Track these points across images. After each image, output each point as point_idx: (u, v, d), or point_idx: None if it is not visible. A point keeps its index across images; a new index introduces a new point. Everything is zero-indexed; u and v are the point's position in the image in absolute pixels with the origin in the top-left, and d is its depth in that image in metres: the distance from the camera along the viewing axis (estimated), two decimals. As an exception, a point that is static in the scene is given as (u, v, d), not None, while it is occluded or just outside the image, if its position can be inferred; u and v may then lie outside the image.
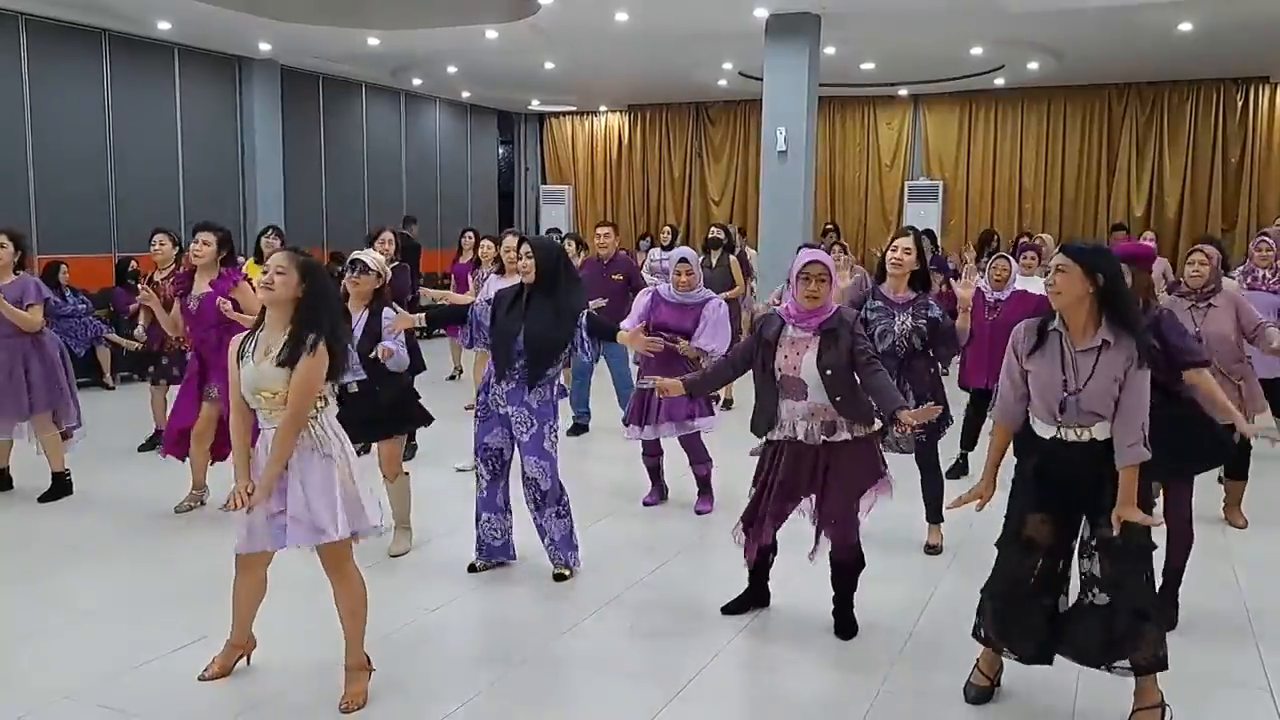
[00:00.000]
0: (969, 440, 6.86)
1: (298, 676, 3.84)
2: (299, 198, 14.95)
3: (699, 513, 5.99)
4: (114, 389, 10.16)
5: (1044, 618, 3.53)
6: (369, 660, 3.70)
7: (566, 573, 4.90)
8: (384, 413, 5.11)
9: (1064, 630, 3.51)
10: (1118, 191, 15.92)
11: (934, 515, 5.40)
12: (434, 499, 5.88)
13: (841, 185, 17.63)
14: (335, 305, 3.65)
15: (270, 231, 8.70)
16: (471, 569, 4.98)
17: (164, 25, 12.14)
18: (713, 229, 9.81)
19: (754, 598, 4.55)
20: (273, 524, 3.50)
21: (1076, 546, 3.51)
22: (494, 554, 5.02)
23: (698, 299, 5.85)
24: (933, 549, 5.35)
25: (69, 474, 6.23)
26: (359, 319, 5.05)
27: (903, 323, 5.11)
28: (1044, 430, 3.45)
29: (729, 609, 4.50)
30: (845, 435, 4.11)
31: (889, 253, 5.20)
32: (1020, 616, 3.54)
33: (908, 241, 5.21)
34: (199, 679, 3.76)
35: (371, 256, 5.13)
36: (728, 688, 3.95)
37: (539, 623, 4.46)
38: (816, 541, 4.24)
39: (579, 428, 7.98)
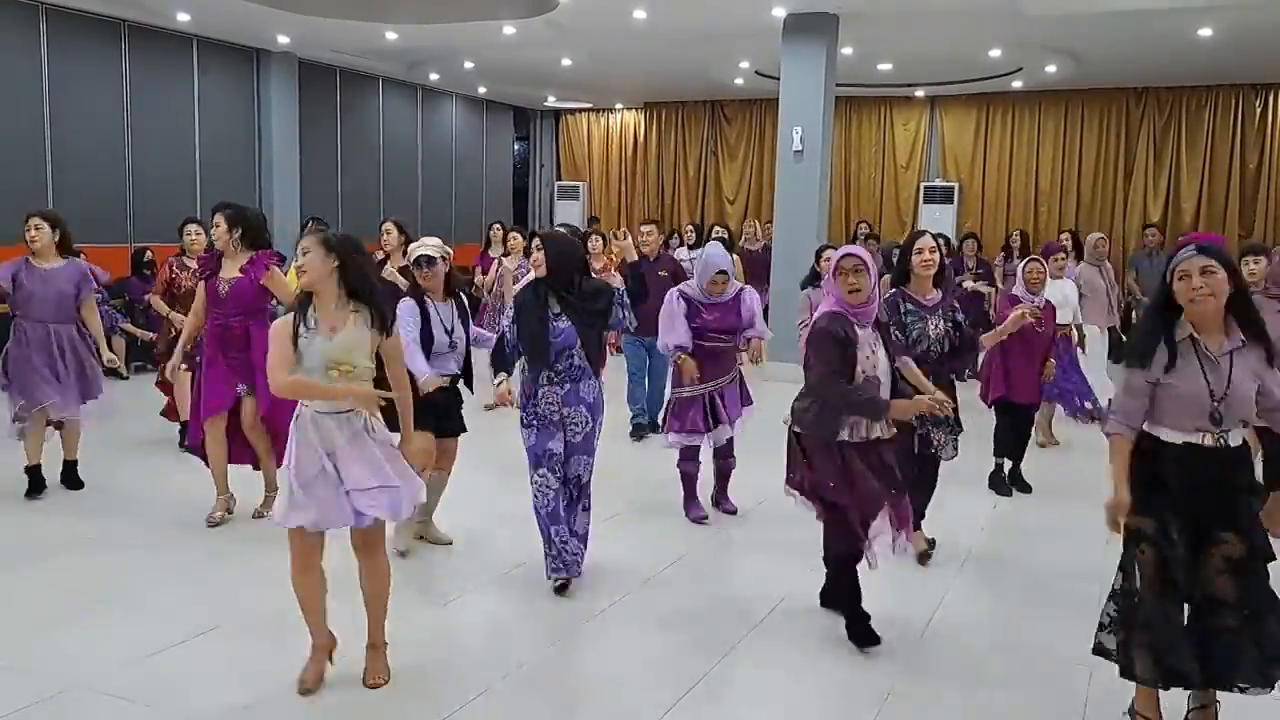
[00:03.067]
0: (1013, 449, 6.68)
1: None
2: (315, 190, 14.98)
3: (729, 512, 6.00)
4: (128, 379, 10.21)
5: (1188, 639, 3.30)
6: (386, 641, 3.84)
7: (569, 581, 4.74)
8: (458, 409, 5.17)
9: (1213, 660, 3.28)
10: (1134, 196, 15.84)
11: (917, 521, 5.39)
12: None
13: (857, 186, 17.59)
14: (373, 268, 3.82)
15: (311, 223, 8.74)
16: (562, 589, 4.73)
17: (183, 17, 12.18)
18: (716, 229, 10.01)
19: (856, 632, 4.27)
20: (344, 500, 3.57)
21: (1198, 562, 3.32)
22: (572, 569, 4.75)
23: (731, 293, 5.82)
24: (924, 555, 5.31)
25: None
26: (449, 310, 5.05)
27: (936, 326, 5.00)
28: (1174, 437, 3.27)
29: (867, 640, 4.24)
30: (889, 430, 4.15)
31: (915, 255, 5.01)
32: (1178, 647, 3.28)
33: (932, 242, 5.09)
34: (299, 692, 3.69)
35: (432, 244, 5.07)
36: (735, 690, 3.94)
37: (547, 623, 4.46)
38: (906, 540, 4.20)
39: (640, 428, 7.94)
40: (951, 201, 16.41)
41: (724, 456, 5.98)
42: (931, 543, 5.35)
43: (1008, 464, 6.69)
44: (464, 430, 5.25)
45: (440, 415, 5.02)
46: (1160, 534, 3.29)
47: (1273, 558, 3.30)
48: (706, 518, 5.94)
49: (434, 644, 4.19)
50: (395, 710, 3.61)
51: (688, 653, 4.12)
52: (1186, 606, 3.32)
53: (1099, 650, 3.50)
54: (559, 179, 20.15)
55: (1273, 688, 3.25)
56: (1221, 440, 3.24)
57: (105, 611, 4.36)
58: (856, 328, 4.06)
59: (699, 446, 5.89)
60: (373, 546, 3.74)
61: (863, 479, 4.05)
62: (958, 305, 5.18)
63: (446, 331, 4.97)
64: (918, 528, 5.21)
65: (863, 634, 4.20)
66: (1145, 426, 3.33)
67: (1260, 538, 3.27)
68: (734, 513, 5.99)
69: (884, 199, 17.46)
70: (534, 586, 4.81)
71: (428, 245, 5.06)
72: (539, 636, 4.28)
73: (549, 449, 4.65)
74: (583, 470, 4.78)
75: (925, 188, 16.76)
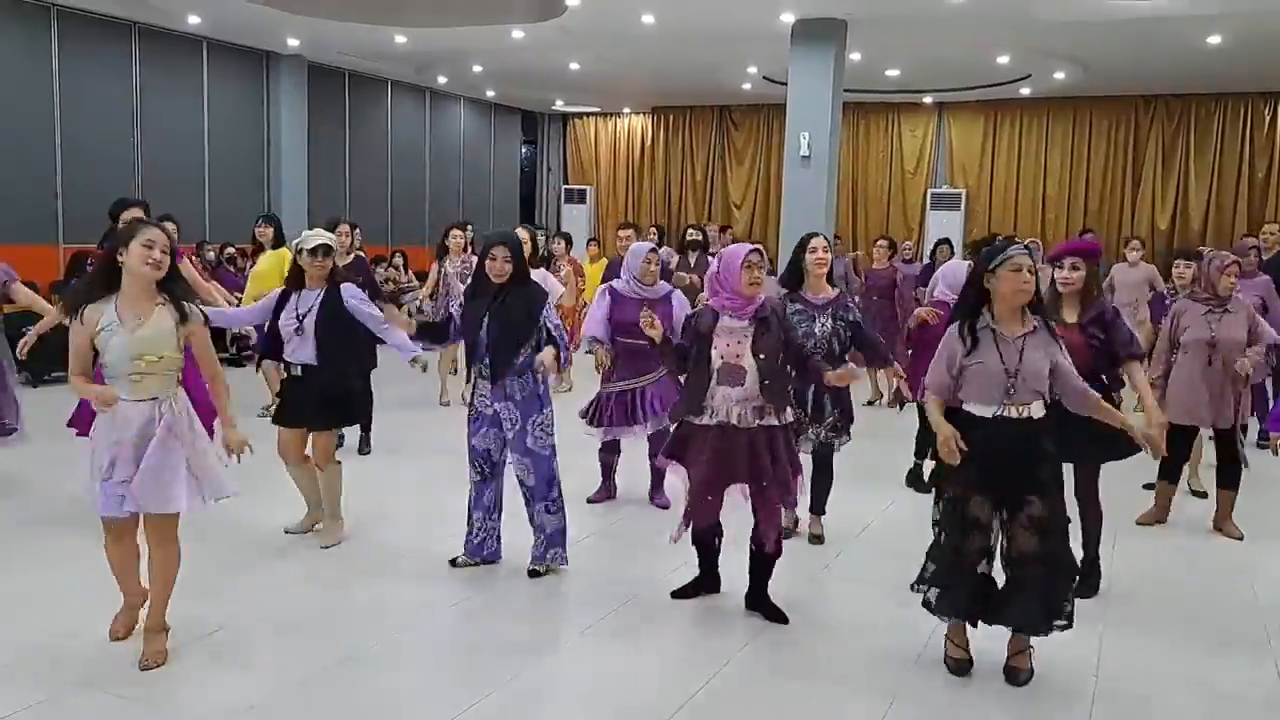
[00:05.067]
0: (925, 450, 6.70)
1: (310, 668, 3.86)
2: (323, 193, 15.02)
3: (663, 506, 6.03)
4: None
5: (981, 583, 3.84)
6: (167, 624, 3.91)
7: (541, 570, 4.86)
8: (332, 402, 5.21)
9: (1006, 603, 3.81)
10: (1142, 203, 15.83)
11: (819, 508, 5.50)
12: (409, 490, 5.89)
13: (864, 192, 17.60)
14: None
15: (259, 221, 8.68)
16: (452, 563, 4.95)
17: (194, 19, 12.23)
18: (690, 230, 10.04)
19: (706, 584, 4.66)
20: (121, 489, 3.65)
21: (1003, 520, 3.81)
22: (475, 552, 4.96)
23: (660, 292, 5.83)
24: (817, 539, 5.45)
25: None
26: (314, 297, 5.16)
27: (823, 325, 5.15)
28: (984, 410, 3.76)
29: (680, 593, 4.63)
30: (773, 420, 4.28)
31: (808, 255, 5.22)
32: (964, 585, 3.83)
33: (822, 241, 5.28)
34: (111, 639, 3.93)
35: (326, 235, 5.28)
36: (736, 698, 3.93)
37: (543, 632, 4.45)
38: (759, 528, 4.35)
39: None
40: (959, 208, 16.41)
41: (654, 454, 5.95)
42: (820, 538, 5.46)
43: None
44: (328, 427, 5.29)
45: (306, 410, 5.17)
46: (970, 501, 3.78)
47: (1068, 521, 3.83)
48: (609, 498, 6.16)
49: (433, 649, 4.19)
50: (402, 713, 3.61)
51: (685, 663, 4.10)
52: (991, 562, 3.84)
53: (925, 604, 3.94)
54: (566, 183, 20.19)
55: (1047, 634, 3.78)
56: (1023, 411, 3.73)
57: (109, 612, 4.36)
58: (726, 318, 4.27)
59: (618, 440, 6.03)
60: (163, 536, 3.79)
61: (700, 465, 4.28)
62: (851, 305, 5.26)
63: (297, 317, 5.12)
64: (820, 511, 5.49)
65: (685, 587, 4.61)
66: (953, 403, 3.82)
67: (1059, 502, 3.79)
68: (667, 507, 5.98)
69: (891, 205, 17.47)
70: (528, 593, 4.80)
71: (311, 236, 5.24)
72: (535, 646, 4.27)
73: (472, 444, 4.84)
74: (522, 472, 4.80)
75: (932, 194, 16.76)
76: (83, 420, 5.72)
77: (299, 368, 5.17)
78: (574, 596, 4.73)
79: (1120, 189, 15.99)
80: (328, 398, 5.15)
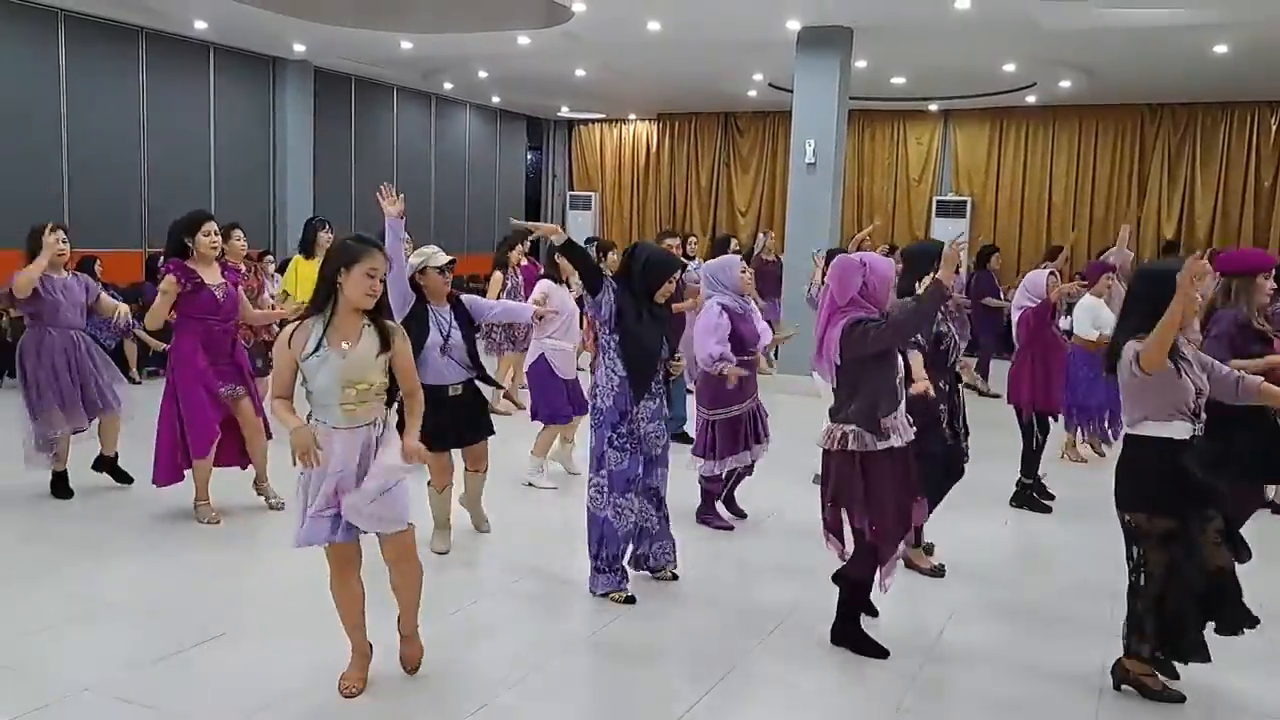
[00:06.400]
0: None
1: (313, 674, 3.85)
2: (329, 198, 15.03)
3: (740, 515, 6.09)
4: (140, 383, 10.25)
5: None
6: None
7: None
8: (483, 412, 5.25)
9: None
10: (1148, 212, 15.80)
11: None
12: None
13: (869, 199, 17.57)
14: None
15: (326, 226, 8.61)
16: (631, 600, 4.69)
17: (200, 24, 12.26)
18: (733, 241, 9.83)
19: (867, 608, 4.44)
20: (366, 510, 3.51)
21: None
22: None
23: (752, 304, 6.00)
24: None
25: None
26: (447, 313, 5.09)
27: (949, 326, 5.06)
28: (1185, 431, 3.65)
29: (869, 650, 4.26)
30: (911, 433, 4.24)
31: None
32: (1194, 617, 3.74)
33: None
34: (344, 695, 3.68)
35: (441, 252, 5.14)
36: (743, 703, 3.92)
37: (555, 634, 4.45)
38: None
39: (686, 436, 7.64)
40: (964, 216, 16.39)
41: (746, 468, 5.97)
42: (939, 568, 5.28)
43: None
44: (491, 433, 5.28)
45: (462, 426, 5.12)
46: (1208, 523, 3.67)
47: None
48: (732, 527, 5.92)
49: (438, 655, 4.18)
50: (415, 713, 3.60)
51: (695, 665, 4.11)
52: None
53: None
54: (571, 189, 20.21)
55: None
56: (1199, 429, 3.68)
57: (113, 616, 4.36)
58: None
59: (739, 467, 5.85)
60: (401, 551, 3.67)
61: (898, 499, 4.05)
62: None
63: (443, 334, 5.01)
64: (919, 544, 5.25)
65: (869, 644, 4.21)
66: (1155, 430, 3.66)
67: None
68: (744, 515, 6.05)
69: (896, 212, 17.44)
70: (541, 596, 4.79)
71: (440, 253, 5.11)
72: (546, 648, 4.27)
73: (639, 474, 4.63)
74: (662, 484, 4.79)
75: (938, 202, 16.74)
76: (165, 469, 5.73)
77: (458, 387, 5.06)
78: (579, 601, 4.73)
79: (1126, 197, 15.95)
80: (482, 403, 5.22)
